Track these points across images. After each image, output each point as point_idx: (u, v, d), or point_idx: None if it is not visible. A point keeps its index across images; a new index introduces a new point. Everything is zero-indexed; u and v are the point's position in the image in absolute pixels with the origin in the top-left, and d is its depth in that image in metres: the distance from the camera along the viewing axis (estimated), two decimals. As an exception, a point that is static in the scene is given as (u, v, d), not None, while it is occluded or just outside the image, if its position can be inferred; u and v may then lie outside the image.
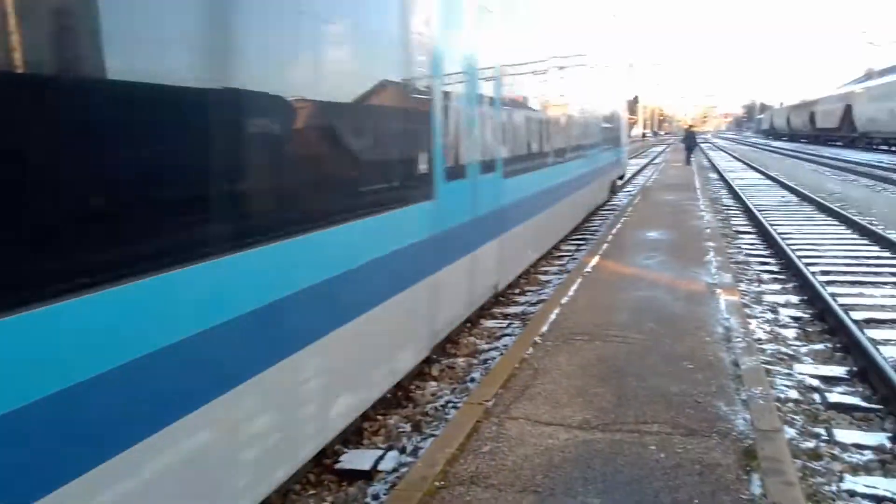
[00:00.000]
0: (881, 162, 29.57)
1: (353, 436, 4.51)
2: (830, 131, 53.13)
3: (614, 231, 10.80)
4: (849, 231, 11.79)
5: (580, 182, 10.92)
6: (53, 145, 1.92)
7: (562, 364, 4.85)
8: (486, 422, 3.97)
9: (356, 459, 4.16)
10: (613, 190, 16.66)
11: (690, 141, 29.60)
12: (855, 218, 12.62)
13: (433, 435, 4.39)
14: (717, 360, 4.83)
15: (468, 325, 6.78)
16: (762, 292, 7.79)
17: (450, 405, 4.90)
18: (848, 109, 46.92)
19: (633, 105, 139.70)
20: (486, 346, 6.17)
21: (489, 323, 6.94)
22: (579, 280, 7.36)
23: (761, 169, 28.37)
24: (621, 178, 18.34)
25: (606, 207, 16.42)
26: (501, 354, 5.61)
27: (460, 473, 3.41)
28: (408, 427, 4.62)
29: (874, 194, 17.96)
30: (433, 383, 5.37)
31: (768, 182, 22.64)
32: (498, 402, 4.24)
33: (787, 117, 73.31)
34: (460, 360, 5.83)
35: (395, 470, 4.04)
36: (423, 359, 4.97)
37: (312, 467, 3.97)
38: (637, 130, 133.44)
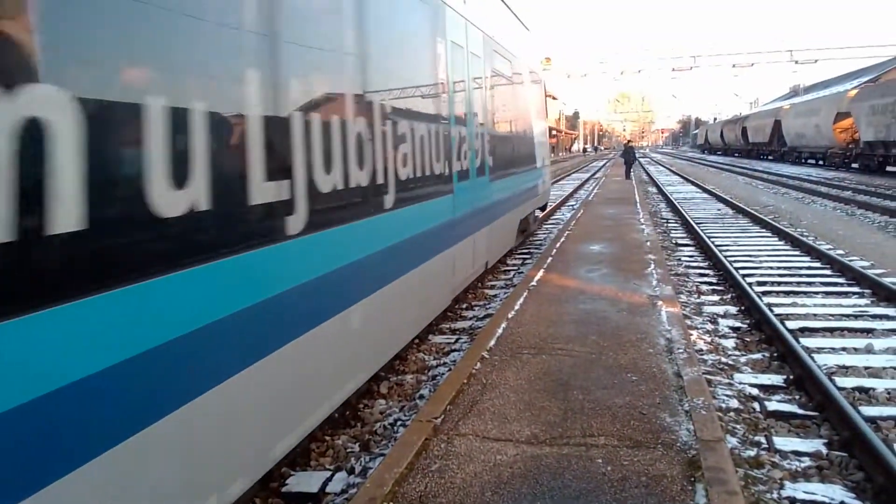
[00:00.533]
0: (809, 175, 30.86)
1: (300, 457, 4.41)
2: (762, 146, 55.23)
3: (558, 245, 10.93)
4: (782, 242, 12.21)
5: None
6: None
7: (509, 379, 4.86)
8: (435, 439, 3.94)
9: (303, 482, 4.07)
10: (528, 229, 12.25)
11: (629, 155, 30.13)
12: (787, 230, 13.09)
13: (382, 454, 4.33)
14: (660, 372, 4.91)
15: (416, 341, 6.75)
16: (702, 303, 7.98)
17: (399, 423, 4.85)
18: (777, 125, 48.86)
19: (573, 120, 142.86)
20: (434, 363, 6.14)
21: (438, 339, 6.92)
22: (525, 294, 7.41)
23: (698, 182, 29.22)
24: (543, 209, 14.55)
25: (552, 220, 16.64)
26: (450, 370, 5.60)
27: (409, 493, 3.37)
28: (356, 447, 4.55)
29: (803, 206, 18.69)
30: (382, 401, 5.31)
31: (705, 195, 23.32)
32: (447, 418, 4.21)
33: (720, 132, 75.72)
34: (409, 377, 5.79)
35: (343, 492, 3.97)
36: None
37: (258, 490, 3.87)
38: (578, 145, 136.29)
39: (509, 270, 10.49)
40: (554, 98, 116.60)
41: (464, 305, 8.26)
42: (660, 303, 6.83)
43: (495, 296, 8.72)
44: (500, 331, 6.04)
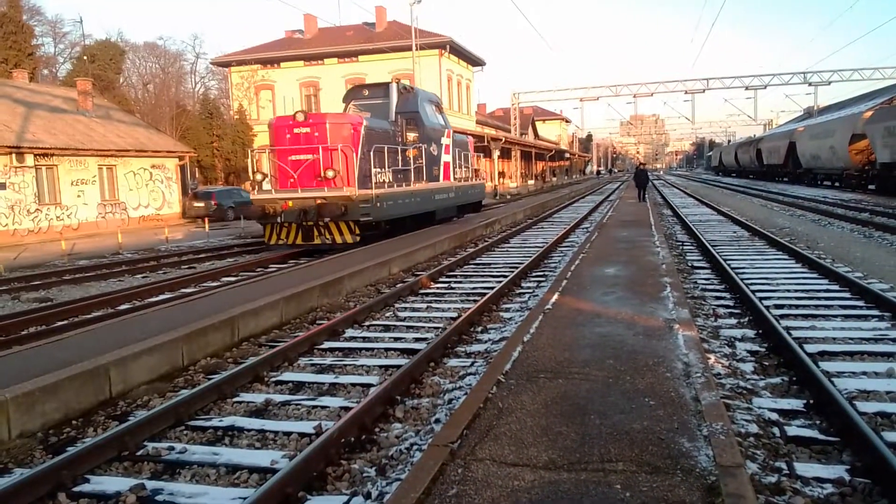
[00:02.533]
0: (825, 197, 30.64)
1: (316, 481, 4.40)
2: (776, 167, 54.94)
3: (573, 268, 10.91)
4: (799, 265, 12.12)
5: None
6: None
7: (526, 403, 4.84)
8: (452, 464, 3.92)
9: (319, 507, 4.06)
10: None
11: (642, 178, 30.10)
12: (804, 252, 12.99)
13: (398, 479, 4.31)
14: (678, 396, 4.87)
15: (432, 364, 6.75)
16: (719, 327, 7.92)
17: (415, 448, 4.84)
18: (792, 147, 48.62)
19: (586, 143, 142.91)
20: (450, 386, 6.13)
21: (453, 362, 6.91)
22: (540, 317, 7.39)
23: (713, 204, 29.09)
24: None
25: (565, 243, 16.66)
26: (466, 394, 5.58)
27: (427, 519, 3.35)
28: (372, 471, 4.54)
29: (820, 229, 18.55)
30: (398, 425, 5.30)
31: (720, 217, 23.22)
32: (463, 443, 4.20)
33: (735, 154, 75.44)
34: (425, 401, 5.77)
35: (359, 516, 3.95)
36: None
37: (274, 516, 3.86)
38: (591, 167, 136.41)
39: (524, 293, 10.47)
40: (567, 121, 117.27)
41: (479, 329, 8.26)
42: (676, 326, 6.79)
43: (510, 319, 8.70)
44: (515, 354, 6.02)
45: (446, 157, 21.90)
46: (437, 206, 20.58)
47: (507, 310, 9.29)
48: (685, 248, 15.21)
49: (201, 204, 31.96)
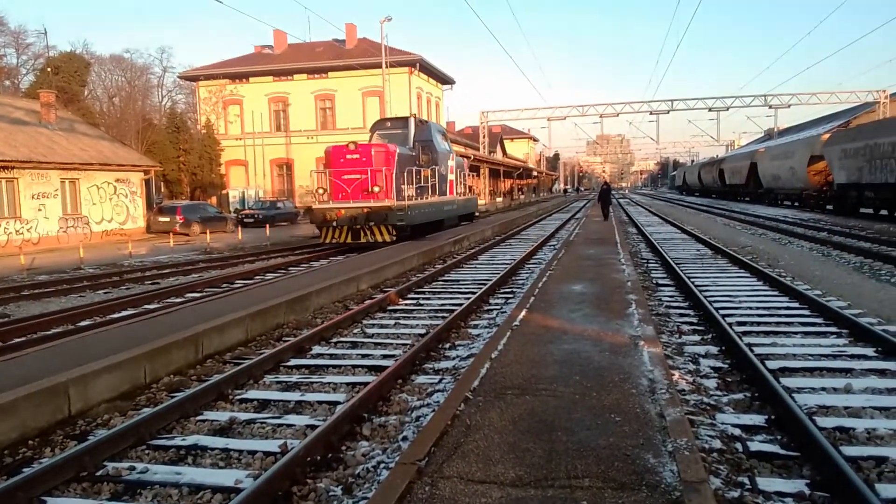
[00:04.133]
0: (786, 216, 31.36)
1: (282, 501, 4.34)
2: (739, 187, 56.06)
3: (540, 285, 10.97)
4: (760, 283, 12.34)
5: None
6: None
7: (493, 420, 4.84)
8: (419, 482, 3.89)
9: (284, 527, 3.99)
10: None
11: (606, 197, 30.70)
12: (765, 270, 13.25)
13: (365, 498, 4.27)
14: (643, 412, 4.91)
15: (400, 381, 6.71)
16: (683, 343, 8.02)
17: (382, 466, 4.80)
18: (753, 167, 49.72)
19: (553, 162, 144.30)
20: (417, 403, 6.10)
21: (421, 379, 6.88)
22: (508, 334, 7.41)
23: (677, 223, 29.56)
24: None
25: (533, 260, 16.76)
26: (433, 411, 5.56)
27: (394, 538, 3.31)
28: (339, 490, 4.49)
29: (780, 247, 18.95)
30: (365, 443, 5.25)
31: (684, 236, 23.58)
32: (431, 461, 4.17)
33: (698, 174, 76.73)
34: (392, 419, 5.74)
35: (325, 536, 3.90)
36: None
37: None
38: (558, 186, 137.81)
39: (492, 310, 10.50)
40: (535, 140, 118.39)
41: (447, 345, 8.25)
42: (642, 343, 6.85)
43: (478, 335, 8.71)
44: (483, 371, 6.02)
45: (451, 176, 27.23)
46: (445, 215, 25.98)
47: (476, 326, 9.31)
48: (650, 265, 15.41)
49: (166, 219, 31.56)
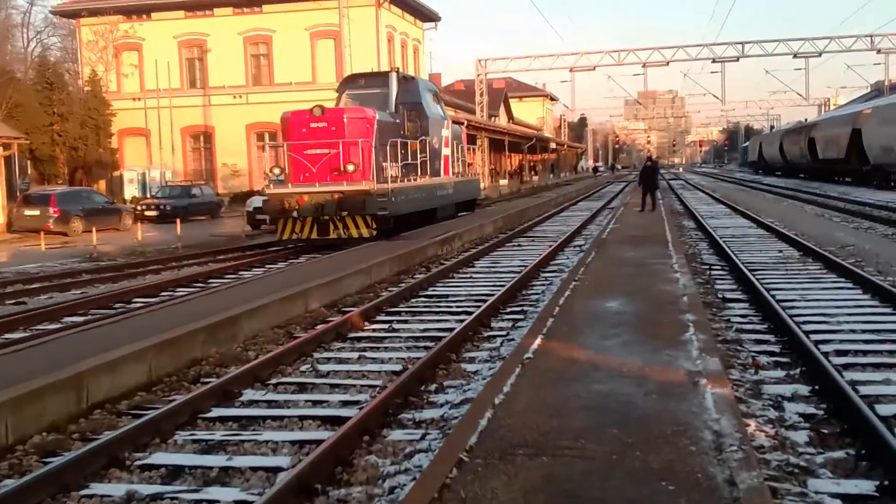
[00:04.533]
0: (901, 204, 31.52)
1: None
2: (835, 163, 56.21)
3: (562, 301, 10.99)
4: (867, 297, 12.42)
5: None
6: None
7: (498, 492, 4.85)
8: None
9: None
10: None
11: (650, 179, 30.14)
12: (874, 279, 13.34)
13: None
14: (707, 479, 4.94)
15: (366, 438, 6.70)
16: (761, 381, 8.07)
17: (341, 557, 4.79)
18: (856, 135, 49.75)
19: (579, 129, 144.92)
20: (392, 469, 6.10)
21: (396, 434, 6.87)
22: (518, 370, 7.42)
23: (750, 214, 29.70)
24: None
25: (551, 266, 16.81)
26: (413, 480, 5.55)
27: None
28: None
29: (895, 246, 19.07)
30: (316, 525, 5.25)
31: (761, 231, 23.72)
32: (410, 549, 4.17)
33: (779, 145, 76.59)
34: (356, 492, 5.73)
35: None
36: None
37: None
38: (585, 163, 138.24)
39: (495, 336, 10.50)
40: (552, 99, 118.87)
41: (432, 387, 8.25)
42: (703, 381, 6.88)
43: (476, 373, 8.71)
44: (483, 422, 6.03)
45: (445, 151, 27.87)
46: (439, 202, 26.99)
47: (473, 360, 9.31)
48: (714, 273, 15.47)
49: (35, 212, 31.41)
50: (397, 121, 24.06)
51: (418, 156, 24.63)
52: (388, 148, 22.28)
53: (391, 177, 22.28)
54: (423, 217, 25.05)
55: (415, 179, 24.45)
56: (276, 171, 22.41)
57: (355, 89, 24.99)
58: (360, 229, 21.01)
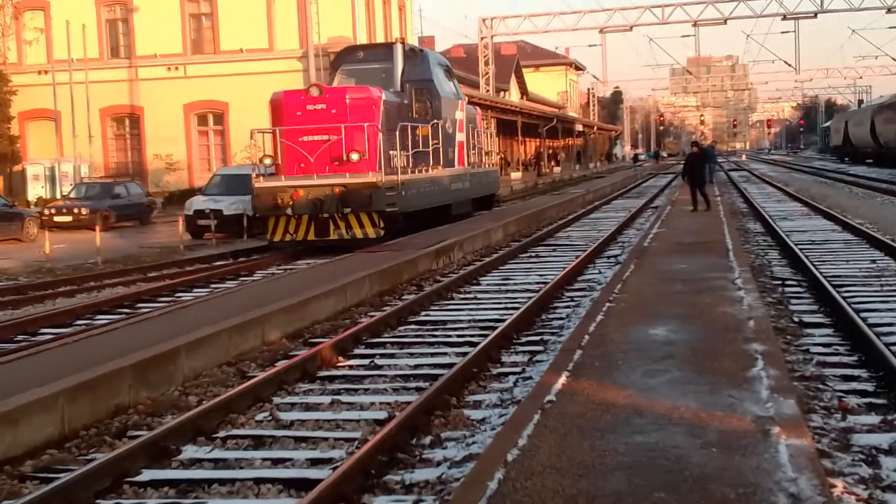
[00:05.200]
0: None
1: None
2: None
3: (592, 327, 10.97)
4: None
5: None
6: None
7: (512, 574, 4.82)
8: None
9: None
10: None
11: (697, 170, 29.83)
12: None
13: None
14: (783, 555, 4.91)
15: (340, 506, 6.68)
16: (850, 430, 8.04)
17: None
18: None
19: (612, 107, 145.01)
20: (373, 546, 6.07)
21: (380, 502, 6.85)
22: (536, 417, 7.40)
23: (834, 213, 29.70)
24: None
25: (579, 282, 16.79)
26: (402, 560, 5.53)
27: None
28: None
29: None
30: None
31: (848, 236, 23.72)
32: None
33: (870, 124, 75.94)
34: (327, 575, 5.70)
35: None
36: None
37: None
38: (620, 149, 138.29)
39: (507, 374, 10.49)
40: (577, 69, 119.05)
41: (426, 440, 8.22)
42: (776, 430, 6.86)
43: (483, 420, 8.69)
44: (493, 485, 6.01)
45: (460, 136, 30.02)
46: (454, 197, 28.93)
47: (478, 405, 9.30)
48: (788, 290, 15.47)
49: None
50: (405, 101, 25.55)
51: (430, 142, 26.23)
52: (396, 133, 23.61)
53: (400, 167, 23.70)
54: (437, 214, 26.68)
55: (426, 170, 26.09)
56: (268, 160, 23.88)
57: (352, 64, 26.68)
58: (366, 228, 22.56)
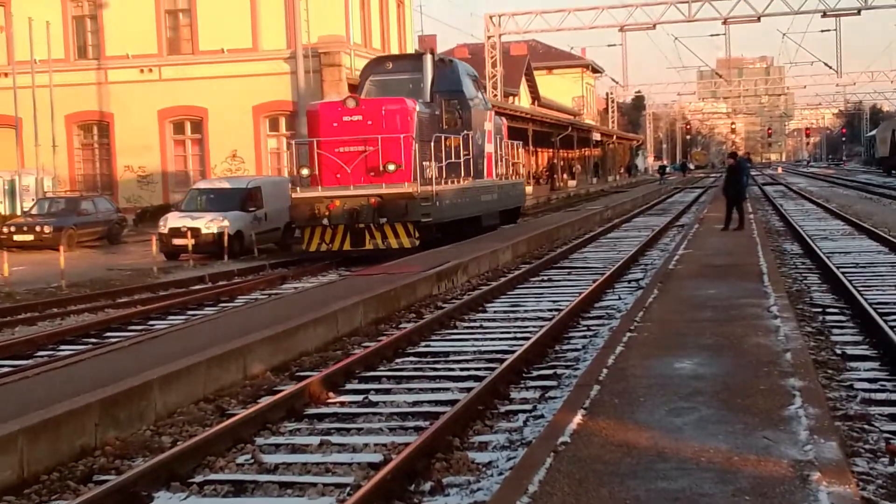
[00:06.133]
0: None
1: None
2: None
3: (611, 360, 10.96)
4: None
5: None
6: None
7: None
8: None
9: None
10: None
11: (734, 186, 29.66)
12: None
13: None
14: None
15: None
16: (898, 474, 8.02)
17: None
18: None
19: (634, 113, 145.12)
20: None
21: (372, 555, 6.83)
22: (549, 460, 7.39)
23: (881, 233, 29.66)
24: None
25: (596, 310, 16.78)
26: None
27: None
28: None
29: None
30: None
31: (894, 257, 23.69)
32: None
33: None
34: None
35: None
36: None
37: None
38: (643, 161, 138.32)
39: (515, 412, 10.48)
40: (595, 71, 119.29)
41: (426, 486, 8.21)
42: (816, 475, 6.85)
43: (490, 464, 8.68)
44: (500, 538, 5.99)
45: (489, 147, 33.06)
46: (485, 209, 32.14)
47: (484, 447, 9.29)
48: (829, 319, 15.45)
49: None
50: (436, 112, 28.46)
51: (461, 153, 28.94)
52: (430, 144, 26.69)
53: (433, 178, 26.45)
54: (468, 225, 29.88)
55: (458, 181, 28.93)
56: (305, 171, 26.42)
57: (381, 74, 29.51)
58: (401, 238, 25.31)
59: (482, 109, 32.47)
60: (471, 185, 30.09)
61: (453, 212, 27.71)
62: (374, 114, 25.64)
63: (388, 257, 24.01)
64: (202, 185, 35.72)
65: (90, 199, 40.24)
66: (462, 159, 28.98)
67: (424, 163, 26.25)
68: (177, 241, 29.32)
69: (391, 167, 24.91)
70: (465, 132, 29.27)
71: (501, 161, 35.48)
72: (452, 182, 28.38)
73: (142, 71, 48.36)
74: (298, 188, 26.40)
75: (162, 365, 11.55)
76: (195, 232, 29.30)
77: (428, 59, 29.31)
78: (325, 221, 25.03)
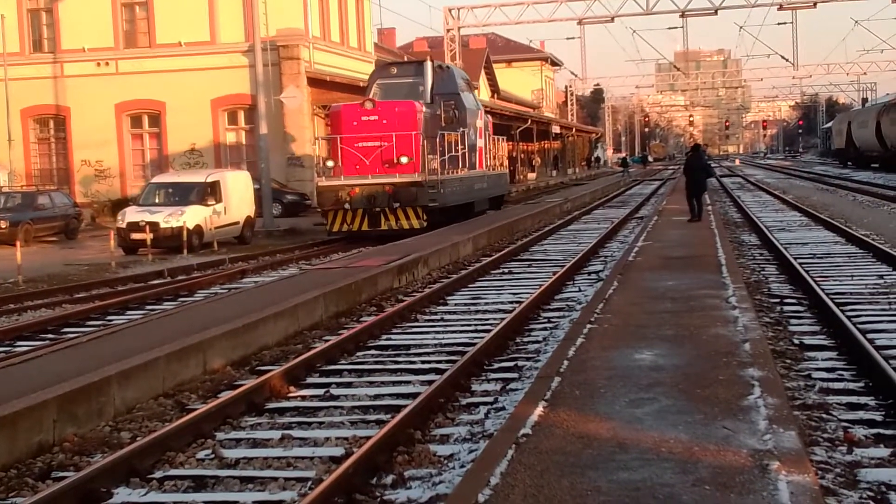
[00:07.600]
0: None
1: None
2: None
3: (572, 351, 10.97)
4: None
5: None
6: None
7: None
8: None
9: None
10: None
11: (698, 175, 29.63)
12: None
13: None
14: None
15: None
16: (856, 464, 8.06)
17: None
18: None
19: (593, 107, 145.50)
20: None
21: (334, 549, 6.81)
22: (510, 452, 7.38)
23: (837, 224, 29.87)
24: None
25: (557, 302, 16.79)
26: None
27: None
28: None
29: None
30: None
31: (852, 249, 23.85)
32: None
33: (876, 125, 76.05)
34: None
35: None
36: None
37: None
38: (602, 153, 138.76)
39: (477, 404, 10.47)
40: (553, 64, 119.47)
41: (388, 479, 8.19)
42: (775, 465, 6.87)
43: (451, 457, 8.67)
44: (462, 530, 5.99)
45: (480, 142, 38.59)
46: (477, 196, 37.75)
47: (445, 439, 9.30)
48: (787, 309, 15.53)
49: None
50: (437, 112, 33.36)
51: (458, 148, 34.45)
52: (435, 140, 31.75)
53: (438, 169, 31.65)
54: (463, 210, 35.19)
55: (456, 172, 34.26)
56: (330, 163, 31.76)
57: (387, 79, 34.70)
58: (412, 220, 30.24)
59: (474, 109, 38.11)
60: (467, 175, 35.77)
61: (454, 198, 33.03)
62: (388, 114, 31.02)
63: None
64: (160, 178, 35.79)
65: (47, 193, 39.91)
66: (459, 153, 34.56)
67: (430, 156, 31.26)
68: (135, 236, 29.21)
69: (404, 159, 30.14)
70: (461, 129, 34.91)
71: (489, 154, 41.29)
72: (452, 172, 33.63)
73: (98, 64, 48.04)
74: (324, 177, 31.60)
75: (121, 360, 11.47)
76: (154, 226, 29.32)
77: (428, 65, 34.59)
78: (347, 206, 30.07)
